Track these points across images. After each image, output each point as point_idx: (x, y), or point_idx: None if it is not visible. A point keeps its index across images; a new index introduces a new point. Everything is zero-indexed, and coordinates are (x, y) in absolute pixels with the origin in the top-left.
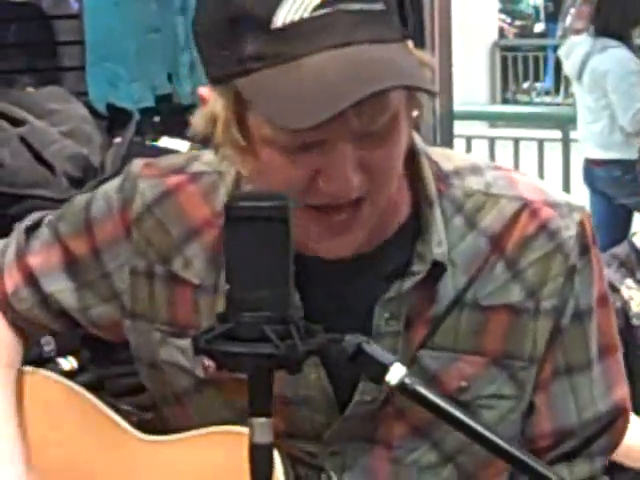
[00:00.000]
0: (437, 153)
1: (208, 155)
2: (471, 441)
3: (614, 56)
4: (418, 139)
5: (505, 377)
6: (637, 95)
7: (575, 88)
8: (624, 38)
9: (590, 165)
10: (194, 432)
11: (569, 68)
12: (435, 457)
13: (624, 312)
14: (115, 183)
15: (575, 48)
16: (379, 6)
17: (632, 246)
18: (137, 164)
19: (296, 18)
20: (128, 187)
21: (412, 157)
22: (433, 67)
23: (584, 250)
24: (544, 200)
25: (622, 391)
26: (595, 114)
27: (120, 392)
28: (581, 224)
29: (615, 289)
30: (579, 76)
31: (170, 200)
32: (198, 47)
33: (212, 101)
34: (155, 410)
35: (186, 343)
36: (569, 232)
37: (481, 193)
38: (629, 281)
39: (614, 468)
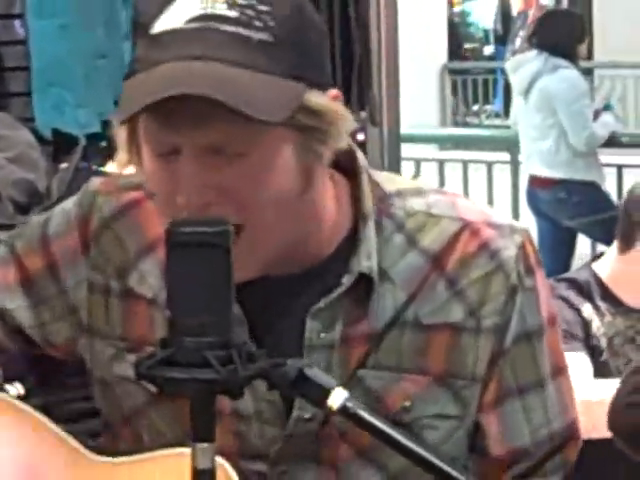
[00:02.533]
0: (381, 175)
1: None
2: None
3: (565, 77)
4: (362, 158)
5: (448, 396)
6: (590, 115)
7: (518, 104)
8: (571, 57)
9: (534, 187)
10: (147, 454)
11: (516, 83)
12: (381, 479)
13: (585, 330)
14: (73, 200)
15: (524, 64)
16: (262, 36)
17: (591, 272)
18: (95, 181)
19: (169, 27)
20: (86, 203)
21: (354, 176)
22: (338, 116)
23: (528, 271)
24: (485, 221)
25: (575, 411)
26: (541, 132)
27: (69, 418)
28: (522, 246)
29: (575, 308)
30: (526, 93)
31: (127, 216)
32: None
33: None
34: (106, 433)
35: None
36: (509, 252)
37: (422, 213)
38: (587, 305)
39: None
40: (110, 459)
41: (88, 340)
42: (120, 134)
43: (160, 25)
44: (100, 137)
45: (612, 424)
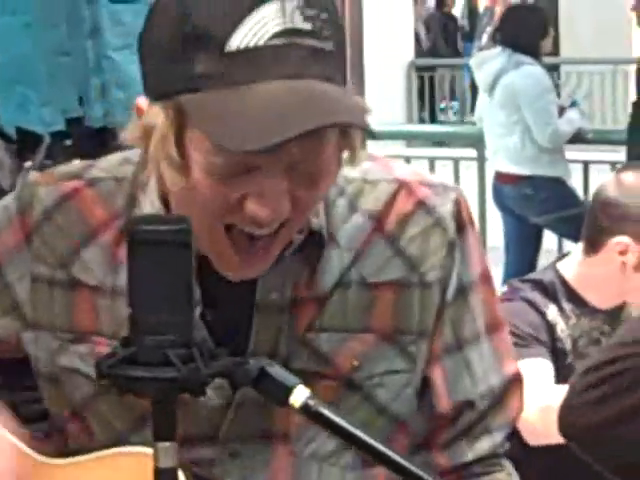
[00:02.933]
0: None
1: (104, 162)
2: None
3: (529, 73)
4: None
5: (396, 352)
6: (554, 112)
7: (483, 100)
8: (535, 53)
9: (500, 183)
10: (99, 453)
11: (480, 80)
12: (334, 445)
13: (550, 335)
14: (12, 195)
15: (488, 61)
16: (329, 46)
17: (556, 273)
18: (34, 174)
19: (251, 44)
20: (26, 195)
21: None
22: (368, 110)
23: (461, 227)
24: (420, 180)
25: (513, 365)
26: (507, 129)
27: (32, 418)
28: (457, 202)
29: (540, 311)
30: (490, 90)
31: (68, 205)
32: (143, 59)
33: (150, 114)
34: (56, 432)
35: (85, 349)
36: (445, 208)
37: (360, 180)
38: (552, 307)
39: (531, 454)
40: (62, 460)
41: (33, 334)
42: (155, 141)
43: (239, 41)
44: (64, 135)
45: (563, 428)
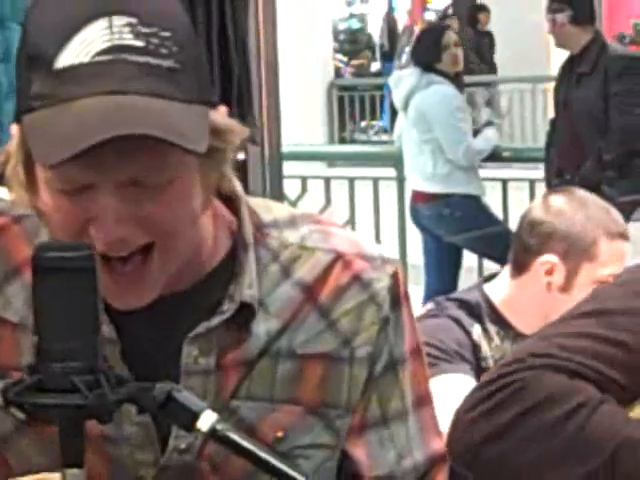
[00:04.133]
0: (258, 204)
1: None
2: None
3: (438, 92)
4: (238, 187)
5: (322, 426)
6: (465, 129)
7: (401, 119)
8: (447, 74)
9: (416, 203)
10: None
11: (396, 99)
12: None
13: (475, 354)
14: None
15: (403, 80)
16: (168, 63)
17: (483, 294)
18: None
19: (76, 62)
20: None
21: (232, 203)
22: (235, 133)
23: (395, 302)
24: (357, 253)
25: (439, 441)
26: (419, 147)
27: None
28: (394, 277)
29: (465, 330)
30: (404, 108)
31: None
32: None
33: (13, 139)
34: None
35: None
36: (382, 283)
37: (296, 246)
38: (477, 327)
39: None
40: None
41: None
42: (10, 166)
43: (65, 59)
44: None
45: (449, 444)
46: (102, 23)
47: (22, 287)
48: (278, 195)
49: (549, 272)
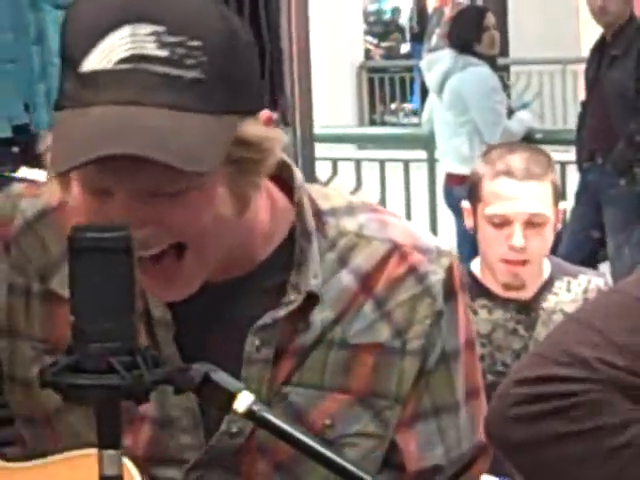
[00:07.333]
0: (316, 191)
1: None
2: (334, 475)
3: (475, 74)
4: (298, 175)
5: (370, 416)
6: (502, 111)
7: (433, 102)
8: (484, 56)
9: (450, 184)
10: (55, 457)
11: (430, 82)
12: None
13: None
14: None
15: (437, 62)
16: (193, 74)
17: (469, 272)
18: (18, 185)
19: (99, 67)
20: (9, 206)
21: (290, 190)
22: (271, 140)
23: (450, 295)
24: (414, 244)
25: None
26: (454, 130)
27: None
28: (449, 269)
29: None
30: (439, 91)
31: (51, 218)
32: None
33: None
34: (29, 433)
35: None
36: (437, 277)
37: (354, 234)
38: None
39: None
40: (18, 464)
41: (7, 341)
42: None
43: (89, 64)
44: (11, 142)
45: (497, 441)
46: (125, 31)
47: None
48: (310, 178)
49: (467, 217)
